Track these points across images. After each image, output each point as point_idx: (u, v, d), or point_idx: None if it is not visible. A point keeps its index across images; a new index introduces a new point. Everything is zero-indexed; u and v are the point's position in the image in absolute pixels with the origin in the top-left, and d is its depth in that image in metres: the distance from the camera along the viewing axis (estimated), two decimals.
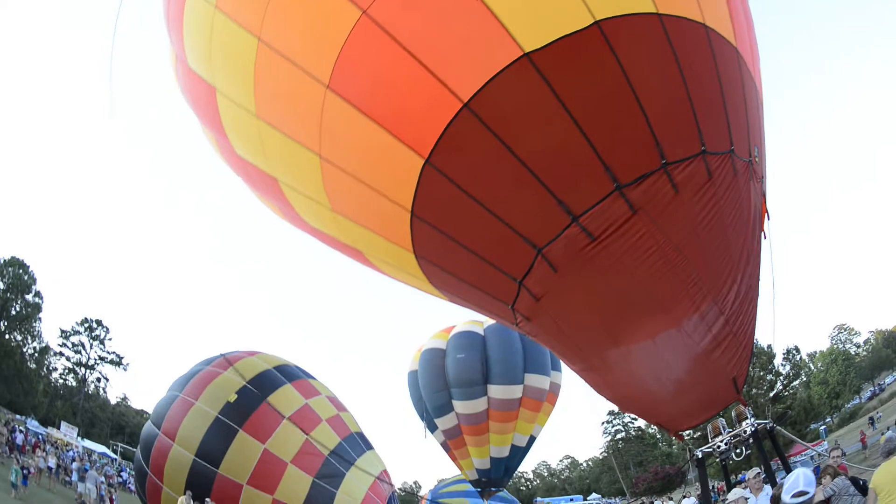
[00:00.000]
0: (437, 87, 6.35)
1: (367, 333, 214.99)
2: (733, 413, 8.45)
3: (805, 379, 69.34)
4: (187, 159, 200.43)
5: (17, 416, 47.34)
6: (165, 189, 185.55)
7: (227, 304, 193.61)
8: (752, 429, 7.99)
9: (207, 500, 18.43)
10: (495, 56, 6.19)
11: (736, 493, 7.23)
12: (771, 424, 8.42)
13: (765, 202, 7.07)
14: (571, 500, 62.78)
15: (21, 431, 36.00)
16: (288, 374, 26.40)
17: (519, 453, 43.22)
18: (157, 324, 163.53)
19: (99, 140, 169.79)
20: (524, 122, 6.26)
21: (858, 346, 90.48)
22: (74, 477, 25.56)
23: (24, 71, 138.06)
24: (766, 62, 7.23)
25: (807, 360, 74.40)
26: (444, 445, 43.08)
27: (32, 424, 46.07)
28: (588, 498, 63.11)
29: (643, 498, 42.87)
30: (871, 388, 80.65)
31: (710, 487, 40.18)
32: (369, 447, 26.63)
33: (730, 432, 8.23)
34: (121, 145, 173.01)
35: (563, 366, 43.58)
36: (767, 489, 8.00)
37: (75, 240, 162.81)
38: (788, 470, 8.36)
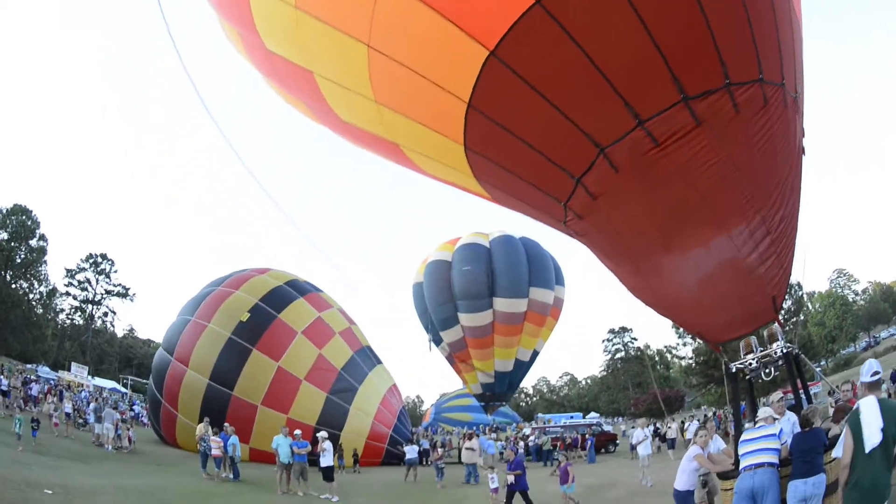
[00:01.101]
0: None
1: (369, 244, 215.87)
2: (765, 333, 8.58)
3: (803, 318, 70.05)
4: (185, 87, 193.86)
5: (28, 366, 47.69)
6: (163, 117, 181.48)
7: (231, 224, 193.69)
8: (783, 351, 8.14)
9: (226, 424, 18.49)
10: None
11: (766, 411, 7.36)
12: (796, 350, 8.57)
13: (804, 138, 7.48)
14: (571, 417, 64.33)
15: (35, 381, 36.18)
16: (299, 288, 26.57)
17: (523, 368, 44.04)
18: (161, 251, 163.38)
19: (92, 75, 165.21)
20: (597, 24, 6.26)
21: (857, 294, 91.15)
22: (91, 419, 25.51)
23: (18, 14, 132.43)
24: None
25: (805, 300, 74.90)
26: (449, 359, 43.60)
27: (44, 371, 46.29)
28: (587, 417, 64.70)
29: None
30: (867, 339, 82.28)
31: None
32: (379, 361, 27.13)
33: (761, 351, 8.37)
34: (115, 77, 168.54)
35: (567, 281, 44.70)
36: (790, 415, 8.26)
37: (76, 177, 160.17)
38: (808, 397, 8.63)
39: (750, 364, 8.51)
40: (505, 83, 6.69)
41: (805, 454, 6.37)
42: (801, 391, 8.46)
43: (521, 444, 32.07)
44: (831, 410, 7.97)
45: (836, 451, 5.70)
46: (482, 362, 41.48)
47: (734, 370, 8.73)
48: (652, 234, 7.71)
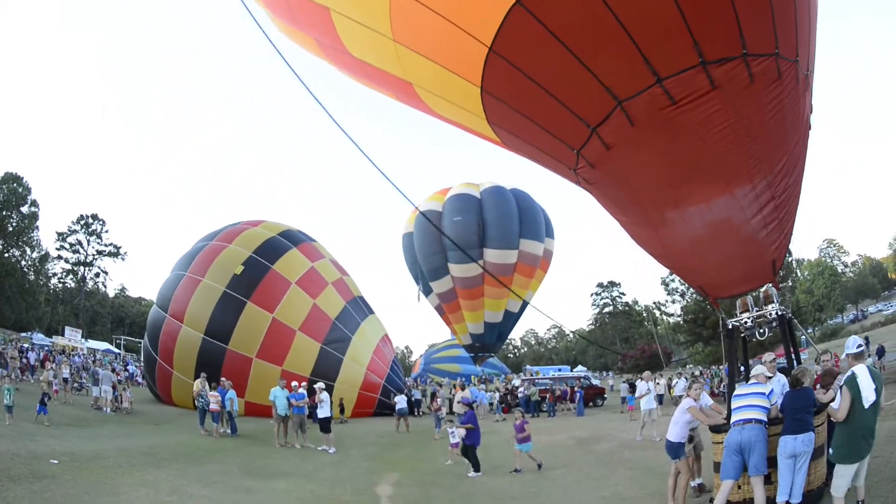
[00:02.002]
0: None
1: (357, 193, 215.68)
2: (761, 294, 8.84)
3: (791, 284, 70.59)
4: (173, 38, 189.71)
5: (23, 334, 47.84)
6: (154, 72, 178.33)
7: (221, 177, 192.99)
8: (777, 314, 8.43)
9: (223, 379, 18.69)
10: None
11: (759, 369, 7.60)
12: (790, 314, 8.85)
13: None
14: (559, 369, 65.22)
15: (32, 350, 36.21)
16: (292, 238, 26.60)
17: (512, 319, 44.56)
18: (152, 209, 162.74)
19: (81, 33, 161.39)
20: None
21: (846, 266, 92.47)
22: (89, 382, 25.77)
23: None
24: None
25: (794, 267, 75.08)
26: (439, 309, 43.94)
27: (38, 338, 46.46)
28: (574, 370, 65.47)
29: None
30: (854, 312, 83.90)
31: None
32: (371, 311, 27.31)
33: (756, 311, 8.64)
34: (105, 38, 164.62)
35: (556, 233, 44.83)
36: (779, 376, 8.54)
37: (66, 140, 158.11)
38: (798, 360, 8.97)
39: (745, 322, 8.82)
40: (528, 30, 6.77)
41: (796, 412, 6.67)
42: (793, 354, 8.80)
43: (504, 394, 32.75)
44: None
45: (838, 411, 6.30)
46: (472, 313, 41.88)
47: (731, 327, 9.04)
48: (662, 187, 7.93)
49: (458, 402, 21.19)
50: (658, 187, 7.96)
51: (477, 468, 12.09)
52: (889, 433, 10.15)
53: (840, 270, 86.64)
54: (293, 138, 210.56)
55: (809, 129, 7.79)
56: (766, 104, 6.74)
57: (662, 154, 7.43)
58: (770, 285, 8.73)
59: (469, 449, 12.30)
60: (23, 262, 56.54)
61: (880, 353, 28.24)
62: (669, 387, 27.30)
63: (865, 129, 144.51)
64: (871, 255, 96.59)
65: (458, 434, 12.80)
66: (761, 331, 8.73)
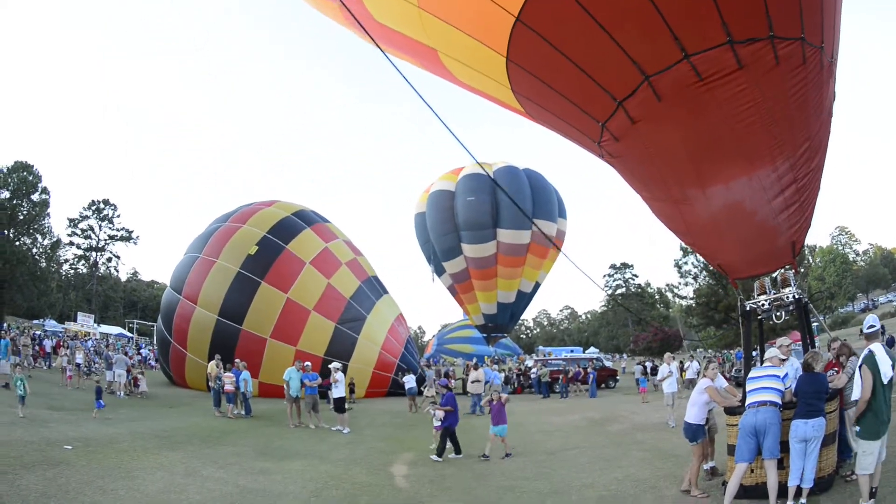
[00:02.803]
0: None
1: (368, 173, 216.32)
2: (778, 277, 8.81)
3: (803, 270, 69.83)
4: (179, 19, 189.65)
5: (35, 321, 48.34)
6: (159, 56, 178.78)
7: (231, 159, 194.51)
8: (794, 297, 8.41)
9: (237, 360, 18.84)
10: None
11: (773, 352, 7.55)
12: (806, 299, 8.79)
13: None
14: (572, 351, 65.31)
15: (48, 337, 36.42)
16: (306, 218, 26.65)
17: (524, 299, 44.45)
18: (164, 192, 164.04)
19: (88, 17, 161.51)
20: None
21: (857, 255, 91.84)
22: (104, 367, 25.69)
23: None
24: None
25: (806, 252, 74.42)
26: (452, 289, 43.90)
27: (50, 325, 46.98)
28: (586, 352, 65.35)
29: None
30: (865, 301, 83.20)
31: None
32: (385, 291, 27.36)
33: (774, 294, 8.60)
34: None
35: (569, 214, 44.55)
36: (793, 360, 8.61)
37: (77, 126, 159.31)
38: (813, 344, 8.93)
39: (763, 305, 8.79)
40: (556, 1, 6.79)
41: (807, 396, 6.70)
42: (809, 339, 8.77)
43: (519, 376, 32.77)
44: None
45: (856, 392, 6.41)
46: (485, 293, 41.81)
47: (748, 308, 9.03)
48: (685, 163, 7.94)
49: (472, 382, 21.39)
50: (682, 164, 7.98)
51: (441, 452, 11.67)
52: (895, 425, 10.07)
53: (851, 259, 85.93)
54: (307, 119, 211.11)
55: (831, 116, 7.76)
56: (791, 87, 6.72)
57: (688, 130, 7.44)
58: (789, 267, 8.73)
59: (444, 430, 11.93)
60: (34, 250, 57.02)
61: (890, 343, 28.22)
62: (682, 370, 27.20)
63: (881, 119, 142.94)
64: (883, 245, 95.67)
65: (437, 416, 12.23)
66: (778, 314, 8.70)
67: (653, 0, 6.31)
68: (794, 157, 7.44)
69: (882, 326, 7.12)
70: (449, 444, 11.97)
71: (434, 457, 11.53)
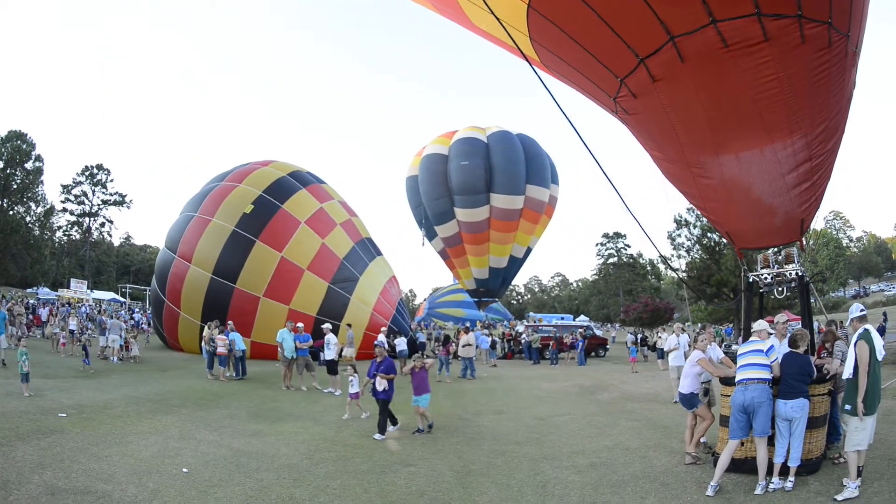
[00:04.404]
0: None
1: (361, 134, 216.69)
2: (783, 253, 8.81)
3: (792, 251, 69.34)
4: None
5: (28, 290, 48.10)
6: (153, 17, 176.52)
7: (225, 119, 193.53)
8: (797, 274, 8.42)
9: (229, 322, 18.79)
10: None
11: (760, 324, 7.53)
12: (808, 278, 8.79)
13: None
14: (562, 318, 65.56)
15: (43, 305, 35.96)
16: (301, 179, 26.52)
17: (516, 264, 44.64)
18: (158, 155, 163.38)
19: None
20: None
21: (851, 241, 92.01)
22: (97, 332, 25.68)
23: None
24: None
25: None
26: (443, 253, 43.97)
27: (43, 292, 46.68)
28: (576, 320, 65.52)
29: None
30: (856, 288, 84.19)
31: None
32: (379, 253, 27.31)
33: (777, 268, 8.60)
34: None
35: (562, 181, 44.46)
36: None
37: (71, 90, 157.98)
38: (810, 324, 8.97)
39: (765, 278, 8.83)
40: None
41: (789, 376, 6.83)
42: (808, 317, 8.83)
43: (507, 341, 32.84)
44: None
45: (848, 370, 6.57)
46: (477, 258, 41.92)
47: (751, 280, 9.05)
48: (703, 128, 7.95)
49: (463, 346, 21.47)
50: (699, 127, 7.97)
51: (384, 428, 10.26)
52: (886, 412, 10.26)
53: (845, 244, 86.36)
54: (298, 81, 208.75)
55: (850, 103, 7.77)
56: (814, 67, 6.75)
57: (708, 94, 7.44)
58: (797, 246, 8.77)
59: (382, 403, 10.46)
60: (28, 219, 56.63)
61: (881, 331, 28.71)
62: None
63: (882, 109, 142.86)
64: (877, 234, 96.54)
65: (379, 384, 10.53)
66: (780, 289, 8.75)
67: None
68: (811, 135, 7.45)
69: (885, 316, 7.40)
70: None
71: (378, 435, 10.10)
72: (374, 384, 10.69)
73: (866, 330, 6.58)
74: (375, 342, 17.11)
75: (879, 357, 6.51)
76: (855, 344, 6.56)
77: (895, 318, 39.29)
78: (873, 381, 6.40)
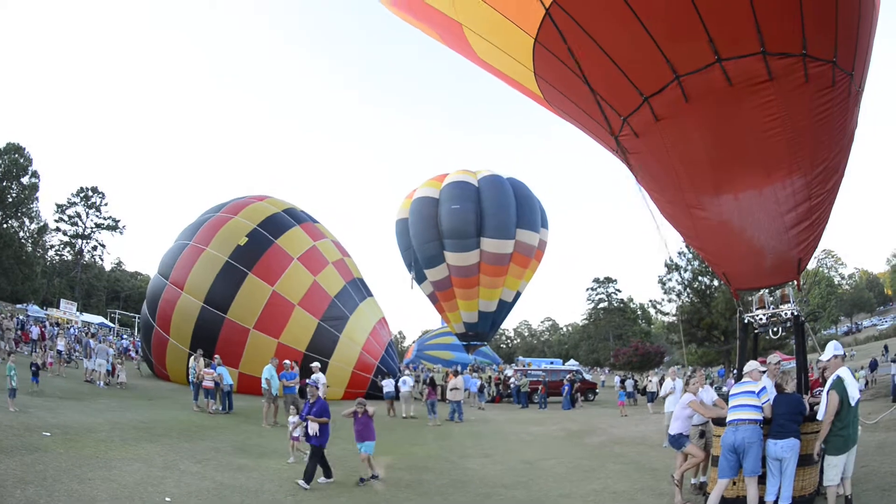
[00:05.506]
0: None
1: (352, 178, 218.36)
2: (778, 293, 8.90)
3: (787, 291, 69.58)
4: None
5: (18, 305, 47.59)
6: (155, 45, 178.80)
7: (224, 153, 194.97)
8: (792, 314, 8.49)
9: (216, 356, 18.66)
10: None
11: (752, 365, 7.58)
12: (803, 318, 8.88)
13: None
14: (552, 362, 65.13)
15: (39, 325, 35.02)
16: (296, 216, 26.71)
17: (505, 308, 44.58)
18: (154, 183, 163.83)
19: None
20: None
21: (843, 278, 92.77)
22: (82, 355, 25.57)
23: None
24: None
25: None
26: (432, 297, 43.87)
27: (33, 310, 46.25)
28: (566, 364, 64.96)
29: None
30: (849, 325, 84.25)
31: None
32: (369, 294, 27.36)
33: (772, 309, 8.68)
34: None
35: (552, 225, 44.62)
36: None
37: (71, 109, 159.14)
38: (804, 363, 9.08)
39: (760, 319, 8.85)
40: None
41: (780, 417, 6.83)
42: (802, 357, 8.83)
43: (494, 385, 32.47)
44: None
45: (821, 414, 6.70)
46: (466, 301, 41.88)
47: (746, 322, 9.07)
48: (704, 166, 7.99)
49: (451, 390, 21.34)
50: (700, 167, 8.03)
51: (310, 476, 9.16)
52: (879, 445, 10.25)
53: (837, 282, 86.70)
54: (295, 117, 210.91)
55: (852, 143, 7.87)
56: (817, 106, 6.83)
57: (711, 133, 7.51)
58: (793, 284, 8.81)
59: (316, 450, 9.52)
60: (21, 234, 56.29)
61: (873, 366, 29.66)
62: (662, 385, 27.02)
63: (872, 144, 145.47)
64: (869, 269, 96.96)
65: (311, 428, 9.61)
66: (775, 329, 8.77)
67: (694, 2, 6.43)
68: (811, 174, 7.53)
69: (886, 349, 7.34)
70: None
71: (301, 482, 9.04)
72: (306, 427, 9.83)
73: (839, 378, 6.71)
74: (308, 381, 16.01)
75: (853, 402, 6.63)
76: (827, 391, 6.71)
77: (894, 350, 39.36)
78: (846, 425, 6.55)
